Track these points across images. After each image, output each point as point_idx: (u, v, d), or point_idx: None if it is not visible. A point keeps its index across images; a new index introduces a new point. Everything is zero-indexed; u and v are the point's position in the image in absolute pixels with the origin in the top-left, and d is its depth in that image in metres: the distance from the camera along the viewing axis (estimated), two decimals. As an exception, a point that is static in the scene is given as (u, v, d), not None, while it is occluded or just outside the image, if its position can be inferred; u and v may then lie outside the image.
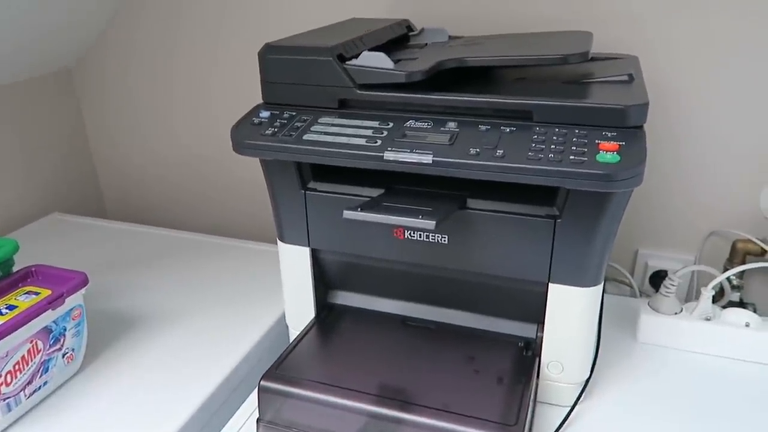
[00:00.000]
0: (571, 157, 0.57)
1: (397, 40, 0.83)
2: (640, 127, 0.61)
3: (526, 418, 0.62)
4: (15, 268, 0.78)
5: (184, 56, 1.20)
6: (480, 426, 0.61)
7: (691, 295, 1.02)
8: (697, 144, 0.95)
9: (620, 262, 1.05)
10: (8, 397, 0.69)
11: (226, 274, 1.02)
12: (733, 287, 0.94)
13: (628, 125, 0.60)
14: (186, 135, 1.27)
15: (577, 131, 0.60)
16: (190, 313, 0.92)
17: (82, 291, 0.76)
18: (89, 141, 1.36)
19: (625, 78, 0.69)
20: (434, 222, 0.60)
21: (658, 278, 1.03)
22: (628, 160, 0.56)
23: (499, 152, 0.59)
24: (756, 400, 0.75)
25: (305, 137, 0.65)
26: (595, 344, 0.75)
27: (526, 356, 0.72)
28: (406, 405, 0.64)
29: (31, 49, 1.13)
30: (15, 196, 1.21)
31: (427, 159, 0.60)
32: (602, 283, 0.68)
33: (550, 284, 0.68)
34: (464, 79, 0.70)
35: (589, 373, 0.74)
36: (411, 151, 0.61)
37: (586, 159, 0.57)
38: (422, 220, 0.60)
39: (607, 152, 0.57)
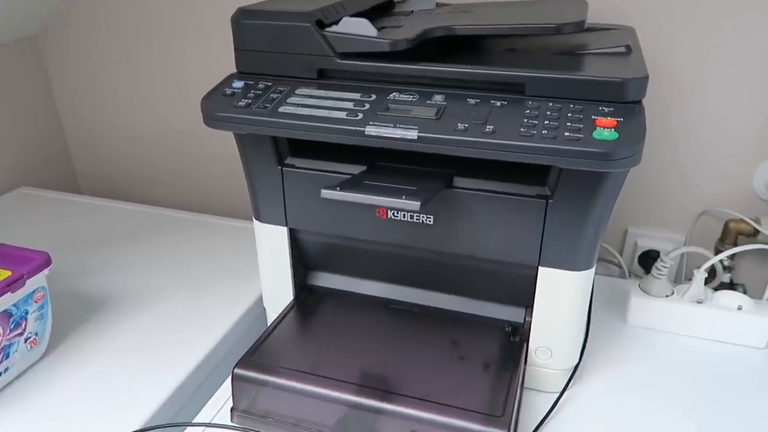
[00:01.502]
0: (566, 133, 0.53)
1: (381, 6, 0.79)
2: (639, 102, 0.57)
3: (513, 408, 0.59)
4: (-28, 248, 0.73)
5: (156, 23, 1.13)
6: (465, 417, 0.58)
7: (680, 274, 1.00)
8: (690, 121, 0.91)
9: (609, 242, 1.02)
10: (-35, 385, 0.65)
11: (203, 252, 0.98)
12: (725, 268, 0.92)
13: (626, 100, 0.56)
14: (159, 106, 1.21)
15: (572, 106, 0.56)
16: (164, 293, 0.88)
17: (45, 272, 0.72)
18: (59, 113, 1.29)
19: (623, 50, 0.66)
20: (419, 203, 0.56)
21: (647, 258, 1.00)
22: (626, 138, 0.52)
23: (489, 128, 0.55)
24: (748, 384, 0.73)
25: (281, 109, 0.60)
26: (585, 328, 0.73)
27: (514, 342, 0.69)
28: (387, 394, 0.61)
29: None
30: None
31: (412, 135, 0.56)
32: (594, 267, 0.65)
33: (540, 267, 0.64)
34: (451, 50, 0.66)
35: (578, 358, 0.71)
36: (394, 126, 0.57)
37: (582, 136, 0.53)
38: (406, 201, 0.56)
39: (605, 129, 0.53)
